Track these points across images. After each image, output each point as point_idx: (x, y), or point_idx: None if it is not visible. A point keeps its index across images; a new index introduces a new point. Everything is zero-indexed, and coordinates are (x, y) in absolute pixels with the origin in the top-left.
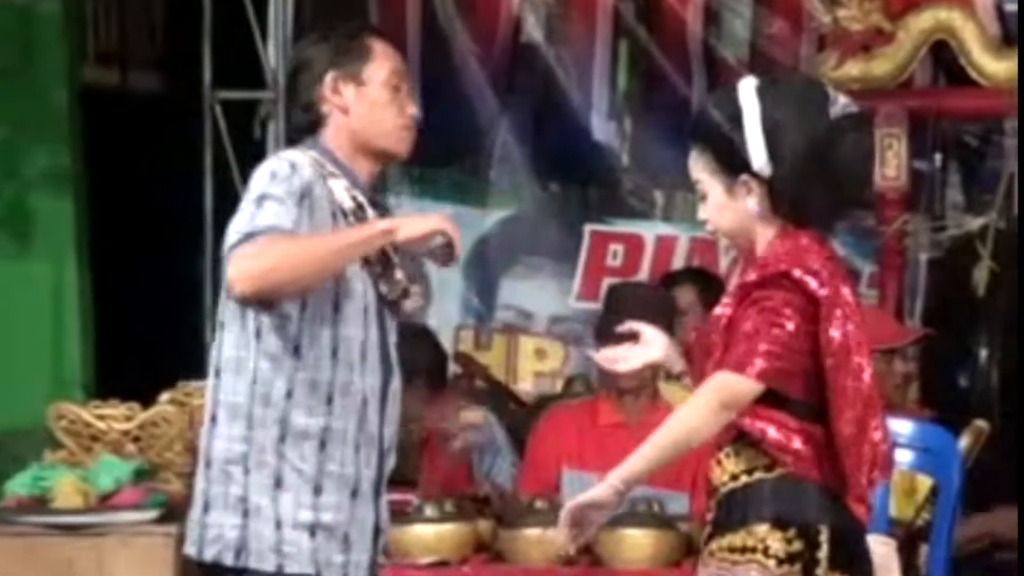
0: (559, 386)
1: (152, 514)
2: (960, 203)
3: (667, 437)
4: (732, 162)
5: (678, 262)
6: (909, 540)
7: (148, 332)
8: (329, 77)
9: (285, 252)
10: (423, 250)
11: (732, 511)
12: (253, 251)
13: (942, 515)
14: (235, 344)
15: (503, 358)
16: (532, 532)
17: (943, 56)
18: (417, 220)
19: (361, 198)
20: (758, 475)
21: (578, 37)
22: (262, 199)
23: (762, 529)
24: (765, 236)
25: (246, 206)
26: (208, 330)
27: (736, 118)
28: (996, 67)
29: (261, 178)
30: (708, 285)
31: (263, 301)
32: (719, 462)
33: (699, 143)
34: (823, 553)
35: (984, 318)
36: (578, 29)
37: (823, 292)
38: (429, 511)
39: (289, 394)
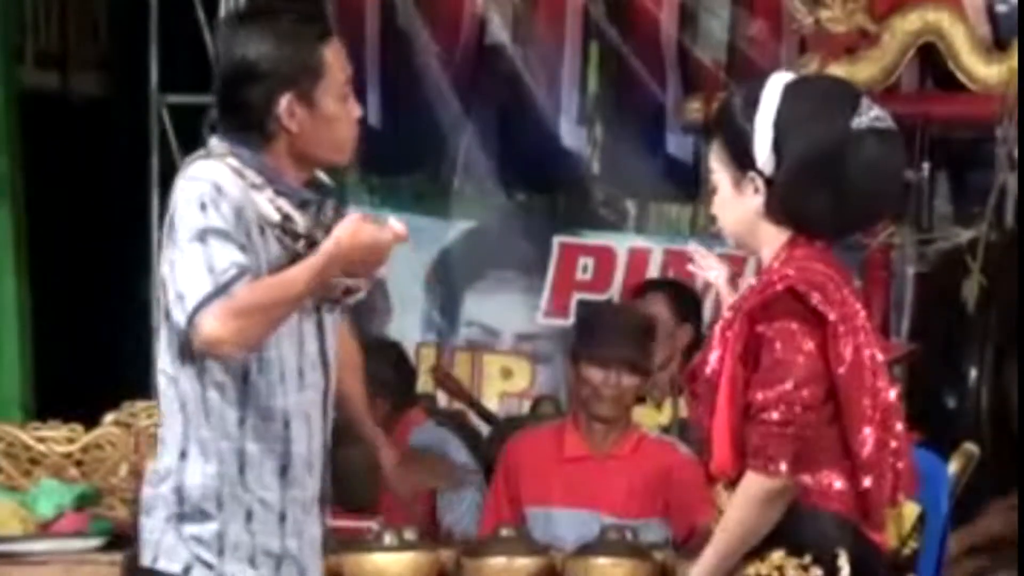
0: (526, 407)
1: (96, 542)
2: (949, 214)
3: (728, 543)
4: (741, 155)
5: (652, 276)
6: (895, 571)
7: (91, 348)
8: (285, 100)
9: (264, 306)
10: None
11: None
12: (236, 307)
13: (930, 544)
14: (192, 377)
15: (467, 377)
16: (497, 561)
17: (931, 59)
18: (351, 227)
19: (288, 208)
20: None
21: (546, 38)
22: (204, 236)
23: (777, 556)
24: (772, 243)
25: (188, 246)
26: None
27: (753, 110)
28: (987, 71)
29: (190, 210)
30: (680, 297)
31: None
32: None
33: (716, 131)
34: None
35: (974, 335)
36: (546, 29)
37: (831, 313)
38: (388, 539)
39: (242, 422)
